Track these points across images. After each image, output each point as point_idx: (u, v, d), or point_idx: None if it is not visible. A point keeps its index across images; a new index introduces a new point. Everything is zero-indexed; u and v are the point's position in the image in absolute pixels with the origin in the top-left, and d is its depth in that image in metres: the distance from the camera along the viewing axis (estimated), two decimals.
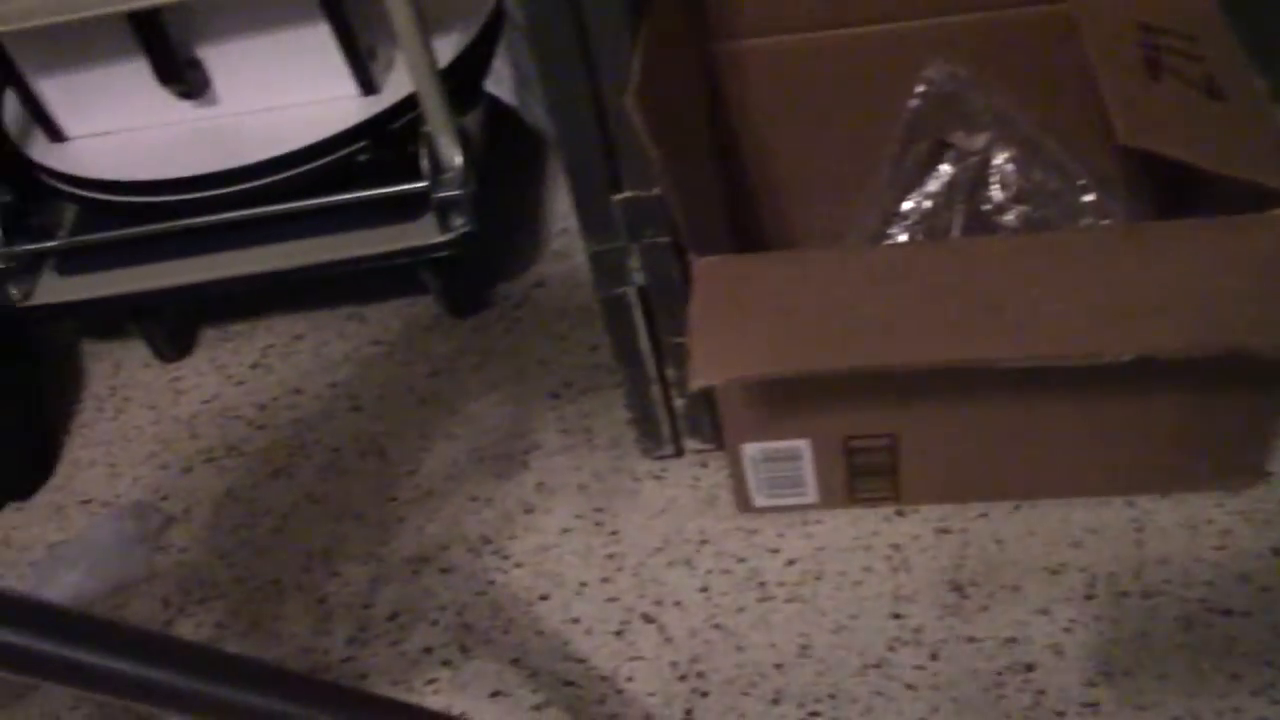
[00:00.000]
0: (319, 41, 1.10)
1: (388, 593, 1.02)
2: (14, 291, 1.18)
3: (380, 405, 1.17)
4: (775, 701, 0.89)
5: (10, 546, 1.13)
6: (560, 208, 1.32)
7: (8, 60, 1.12)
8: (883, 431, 0.93)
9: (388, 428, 1.15)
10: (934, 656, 0.89)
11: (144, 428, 1.21)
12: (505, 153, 1.25)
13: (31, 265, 1.20)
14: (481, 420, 1.13)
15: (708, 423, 1.02)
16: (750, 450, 0.95)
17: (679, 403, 1.01)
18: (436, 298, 1.23)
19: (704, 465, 1.05)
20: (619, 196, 0.87)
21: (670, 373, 0.99)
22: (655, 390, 1.00)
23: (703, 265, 0.84)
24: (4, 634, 0.43)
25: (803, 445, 0.94)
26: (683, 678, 0.92)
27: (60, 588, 1.06)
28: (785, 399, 0.91)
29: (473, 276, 1.22)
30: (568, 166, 0.85)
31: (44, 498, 1.18)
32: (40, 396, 1.25)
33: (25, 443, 1.20)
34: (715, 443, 1.04)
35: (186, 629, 1.03)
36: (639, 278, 0.91)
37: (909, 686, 0.88)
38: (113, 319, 1.30)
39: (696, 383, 0.78)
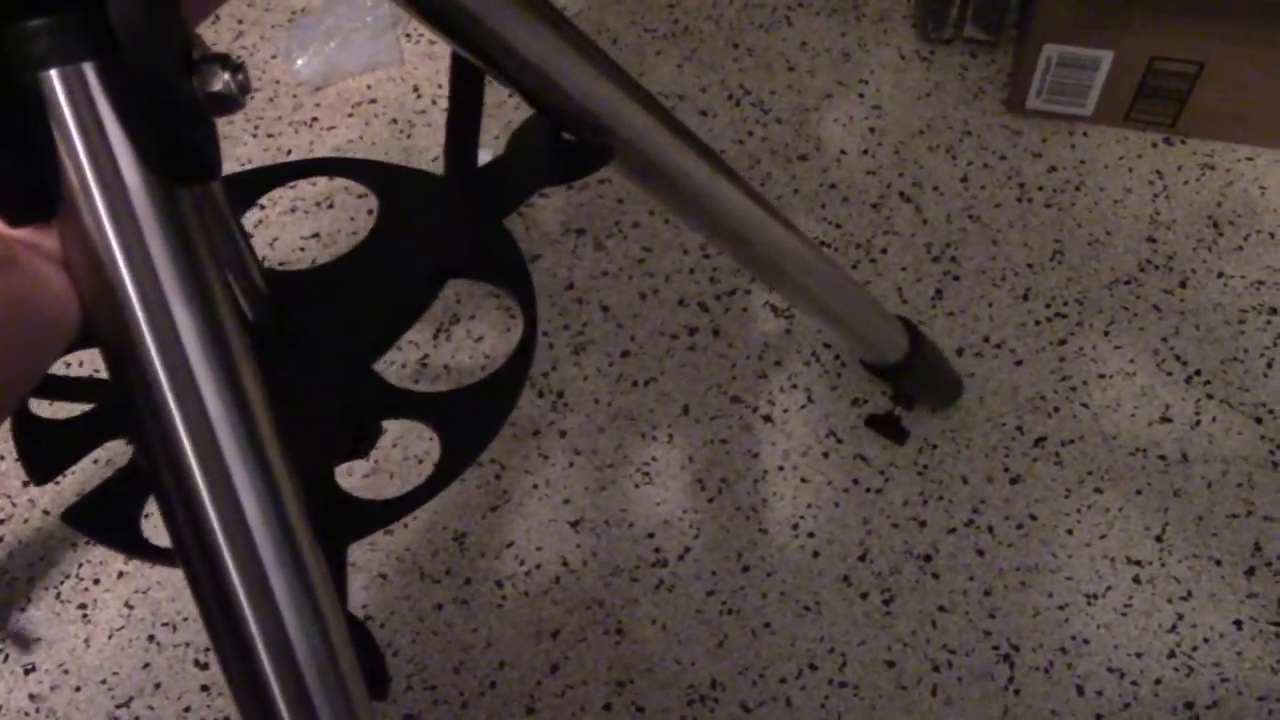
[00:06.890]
0: None
1: None
2: None
3: None
4: (1024, 297, 0.93)
5: (254, 6, 1.12)
6: None
7: None
8: (1192, 59, 0.92)
9: None
10: (1183, 284, 0.93)
11: None
12: None
13: None
14: None
15: (999, 15, 1.00)
16: (1050, 51, 0.94)
17: None
18: None
19: (973, 56, 1.04)
20: None
21: None
22: None
23: None
24: None
25: (1106, 56, 0.93)
26: (936, 259, 0.95)
27: (321, 53, 1.06)
28: (1109, 7, 0.89)
29: None
30: None
31: None
32: None
33: None
34: (994, 36, 1.02)
35: (435, 121, 1.05)
36: None
37: (1155, 307, 0.92)
38: None
39: None
